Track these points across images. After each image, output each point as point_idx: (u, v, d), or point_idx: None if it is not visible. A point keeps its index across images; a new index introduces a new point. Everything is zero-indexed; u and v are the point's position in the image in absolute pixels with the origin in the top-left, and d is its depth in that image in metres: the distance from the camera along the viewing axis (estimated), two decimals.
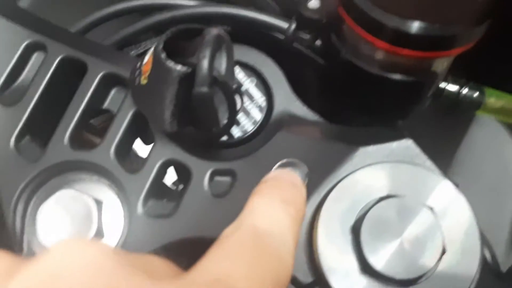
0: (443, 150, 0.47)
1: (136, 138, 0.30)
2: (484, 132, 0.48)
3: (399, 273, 0.21)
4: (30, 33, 0.30)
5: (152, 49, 0.25)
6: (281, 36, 0.32)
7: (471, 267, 0.22)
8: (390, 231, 0.21)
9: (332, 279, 0.22)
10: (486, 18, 0.23)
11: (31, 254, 0.27)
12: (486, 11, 0.23)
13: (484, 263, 0.26)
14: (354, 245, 0.22)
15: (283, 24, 0.32)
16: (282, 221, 0.19)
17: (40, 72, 0.29)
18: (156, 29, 0.36)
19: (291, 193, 0.21)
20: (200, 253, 0.18)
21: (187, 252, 0.24)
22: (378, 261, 0.21)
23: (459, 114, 0.48)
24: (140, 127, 0.29)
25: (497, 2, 0.23)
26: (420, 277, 0.21)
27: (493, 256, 0.31)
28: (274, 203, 0.20)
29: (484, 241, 0.28)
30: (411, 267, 0.21)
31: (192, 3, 0.36)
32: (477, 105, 0.28)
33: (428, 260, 0.21)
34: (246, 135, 0.28)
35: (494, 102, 0.28)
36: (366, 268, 0.21)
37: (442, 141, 0.48)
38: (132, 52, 0.37)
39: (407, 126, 0.39)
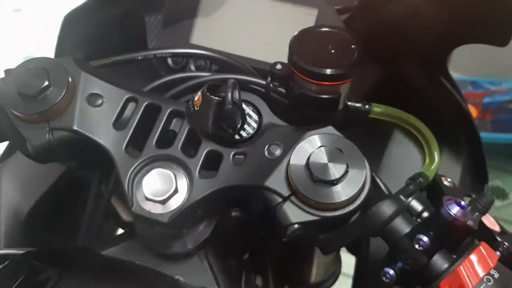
0: (373, 158, 0.72)
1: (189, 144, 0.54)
2: (400, 146, 0.73)
3: (327, 176, 0.45)
4: (126, 92, 0.55)
5: (200, 91, 0.51)
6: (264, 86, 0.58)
7: (361, 177, 0.46)
8: (322, 161, 0.45)
9: (300, 188, 0.45)
10: (358, 65, 0.50)
11: (139, 205, 0.50)
12: (357, 62, 0.49)
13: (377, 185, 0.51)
14: (307, 171, 0.46)
15: (263, 81, 0.58)
16: None
17: (134, 113, 0.54)
18: (190, 89, 0.62)
19: None
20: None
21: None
22: (318, 173, 0.45)
23: (380, 135, 0.74)
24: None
25: (361, 58, 0.49)
26: (338, 179, 0.45)
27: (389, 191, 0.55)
28: None
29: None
30: (332, 174, 0.45)
31: (208, 74, 0.62)
32: (368, 112, 0.54)
33: (341, 172, 0.45)
34: (250, 135, 0.53)
35: (377, 109, 0.54)
36: (308, 178, 0.45)
37: (372, 153, 0.73)
38: None
39: None
